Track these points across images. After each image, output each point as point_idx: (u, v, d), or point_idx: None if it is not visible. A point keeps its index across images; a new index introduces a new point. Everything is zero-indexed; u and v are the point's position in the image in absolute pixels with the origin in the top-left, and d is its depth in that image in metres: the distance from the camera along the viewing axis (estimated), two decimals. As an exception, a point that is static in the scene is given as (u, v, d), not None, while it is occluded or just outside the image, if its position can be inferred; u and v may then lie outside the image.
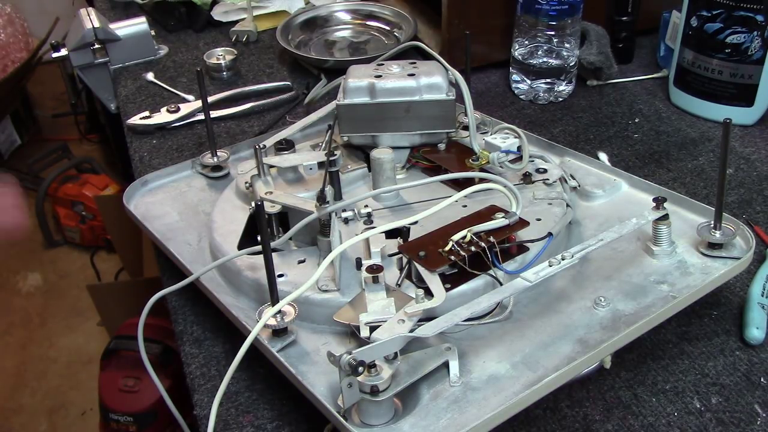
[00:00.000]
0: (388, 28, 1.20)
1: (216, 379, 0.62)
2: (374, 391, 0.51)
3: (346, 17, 1.24)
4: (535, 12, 0.96)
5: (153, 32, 1.17)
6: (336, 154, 0.71)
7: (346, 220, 0.69)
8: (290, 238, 0.70)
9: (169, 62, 1.17)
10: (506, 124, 0.78)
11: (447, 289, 0.58)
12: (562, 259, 0.59)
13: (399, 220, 0.63)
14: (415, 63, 0.80)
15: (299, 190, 0.72)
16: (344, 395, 0.50)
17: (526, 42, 1.00)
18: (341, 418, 0.51)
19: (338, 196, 0.73)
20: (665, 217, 0.65)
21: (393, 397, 0.52)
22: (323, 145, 0.77)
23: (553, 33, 0.97)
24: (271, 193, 0.69)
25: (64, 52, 1.11)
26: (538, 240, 0.63)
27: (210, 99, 1.01)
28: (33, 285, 2.17)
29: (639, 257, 0.66)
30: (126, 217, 0.78)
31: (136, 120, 0.99)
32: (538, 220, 0.67)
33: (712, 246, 0.65)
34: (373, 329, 0.55)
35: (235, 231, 0.70)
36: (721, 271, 0.63)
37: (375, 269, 0.59)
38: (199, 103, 1.01)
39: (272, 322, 0.57)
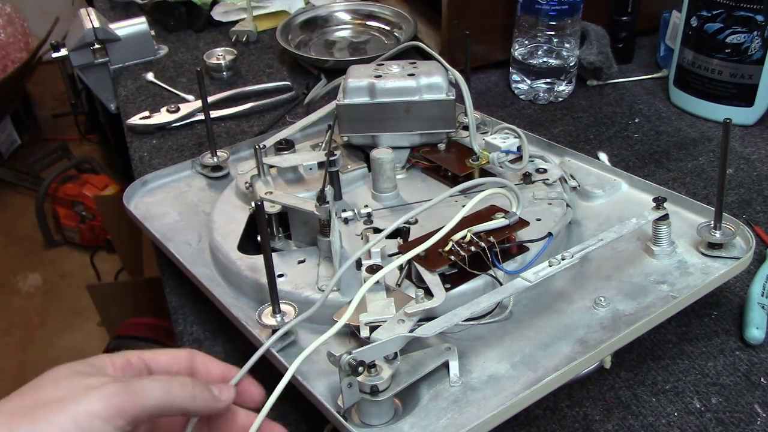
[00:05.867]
0: (388, 28, 1.20)
1: (216, 379, 0.62)
2: (374, 391, 0.51)
3: (346, 17, 1.24)
4: (535, 12, 0.96)
5: (153, 32, 1.17)
6: (336, 154, 0.71)
7: (346, 220, 0.69)
8: (290, 238, 0.70)
9: (169, 62, 1.17)
10: (506, 124, 0.78)
11: (447, 289, 0.58)
12: (562, 259, 0.59)
13: (399, 220, 0.63)
14: (415, 63, 0.80)
15: (299, 190, 0.72)
16: (344, 395, 0.50)
17: (526, 42, 1.00)
18: (341, 418, 0.51)
19: (338, 196, 0.73)
20: (665, 217, 0.65)
21: (393, 397, 0.52)
22: (323, 145, 0.77)
23: (553, 33, 0.97)
24: (271, 193, 0.69)
25: (64, 52, 1.11)
26: (538, 240, 0.63)
27: (210, 99, 1.01)
28: (33, 285, 2.17)
29: (639, 257, 0.66)
30: (126, 217, 0.78)
31: (136, 120, 0.99)
32: (538, 220, 0.67)
33: (712, 246, 0.65)
34: (373, 329, 0.55)
35: (235, 231, 0.70)
36: (721, 271, 0.63)
37: (375, 269, 0.59)
38: (199, 103, 1.01)
39: (272, 322, 0.57)
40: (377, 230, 0.67)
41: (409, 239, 0.65)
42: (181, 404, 0.45)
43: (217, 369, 0.51)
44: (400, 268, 0.61)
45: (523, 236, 0.64)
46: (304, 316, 0.57)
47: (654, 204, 0.65)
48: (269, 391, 0.49)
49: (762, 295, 0.66)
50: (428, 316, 0.55)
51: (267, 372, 0.59)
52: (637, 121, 0.97)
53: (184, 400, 0.45)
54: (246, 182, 0.74)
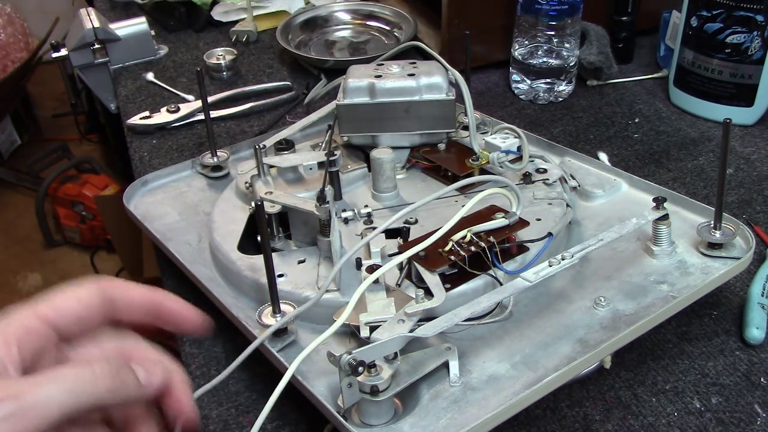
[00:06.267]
0: (388, 28, 1.20)
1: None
2: (374, 391, 0.51)
3: (346, 17, 1.24)
4: (535, 12, 0.96)
5: (153, 32, 1.17)
6: (336, 154, 0.71)
7: (346, 220, 0.69)
8: (290, 238, 0.70)
9: (169, 62, 1.17)
10: (506, 124, 0.78)
11: (447, 289, 0.58)
12: (562, 259, 0.59)
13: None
14: (415, 63, 0.80)
15: (299, 190, 0.72)
16: (344, 395, 0.50)
17: (526, 42, 1.00)
18: (341, 418, 0.51)
19: (338, 196, 0.73)
20: (665, 217, 0.65)
21: (393, 397, 0.52)
22: (323, 145, 0.77)
23: (553, 33, 0.97)
24: (271, 193, 0.69)
25: (64, 52, 1.11)
26: (538, 240, 0.63)
27: (210, 99, 1.01)
28: (33, 285, 2.17)
29: (639, 257, 0.66)
30: (126, 217, 0.78)
31: (136, 120, 0.99)
32: (538, 220, 0.67)
33: (712, 246, 0.65)
34: (373, 329, 0.55)
35: (235, 231, 0.70)
36: (721, 271, 0.63)
37: (375, 269, 0.59)
38: (199, 103, 1.01)
39: (272, 322, 0.57)
40: (377, 230, 0.67)
41: (409, 239, 0.65)
42: (97, 402, 0.36)
43: (139, 298, 0.42)
44: (400, 268, 0.61)
45: (523, 236, 0.64)
46: (299, 310, 0.57)
47: (654, 204, 0.65)
48: (269, 391, 0.49)
49: (762, 295, 0.66)
50: (428, 316, 0.55)
51: (267, 372, 0.59)
52: (637, 121, 0.97)
53: (99, 397, 0.36)
54: (246, 182, 0.74)
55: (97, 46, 1.11)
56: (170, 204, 0.78)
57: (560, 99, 1.02)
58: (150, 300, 0.43)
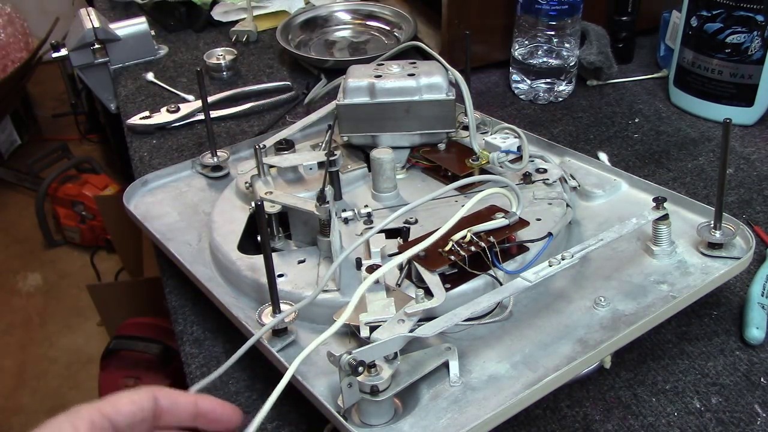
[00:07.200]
0: (388, 28, 1.20)
1: (216, 379, 0.62)
2: (374, 391, 0.51)
3: (346, 17, 1.24)
4: (535, 12, 0.96)
5: (153, 32, 1.17)
6: (336, 154, 0.71)
7: (346, 220, 0.69)
8: (290, 238, 0.70)
9: (169, 62, 1.17)
10: (506, 124, 0.78)
11: (447, 289, 0.58)
12: (562, 259, 0.59)
13: (399, 219, 0.63)
14: (415, 63, 0.80)
15: (299, 190, 0.72)
16: (344, 395, 0.50)
17: (526, 42, 1.00)
18: (341, 418, 0.51)
19: (338, 196, 0.73)
20: (665, 217, 0.65)
21: (393, 397, 0.52)
22: (323, 145, 0.77)
23: (553, 33, 0.97)
24: (271, 193, 0.69)
25: (64, 52, 1.11)
26: (538, 240, 0.63)
27: (210, 99, 1.01)
28: (33, 285, 2.17)
29: (639, 257, 0.66)
30: (126, 217, 0.78)
31: (136, 120, 0.99)
32: (538, 220, 0.67)
33: (712, 246, 0.65)
34: (373, 329, 0.55)
35: (235, 231, 0.70)
36: (721, 271, 0.63)
37: (375, 269, 0.59)
38: (199, 103, 1.01)
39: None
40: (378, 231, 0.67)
41: (409, 239, 0.65)
42: None
43: (186, 403, 0.47)
44: (400, 268, 0.61)
45: (523, 236, 0.64)
46: (297, 306, 0.57)
47: (654, 204, 0.65)
48: (269, 391, 0.49)
49: (762, 295, 0.66)
50: (428, 316, 0.55)
51: (267, 372, 0.59)
52: (637, 121, 0.97)
53: None
54: (246, 182, 0.74)
55: (97, 46, 1.12)
56: (170, 204, 0.78)
57: (560, 99, 1.02)
58: (194, 404, 0.48)
